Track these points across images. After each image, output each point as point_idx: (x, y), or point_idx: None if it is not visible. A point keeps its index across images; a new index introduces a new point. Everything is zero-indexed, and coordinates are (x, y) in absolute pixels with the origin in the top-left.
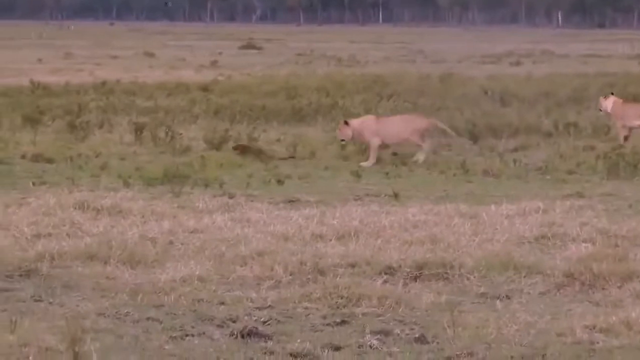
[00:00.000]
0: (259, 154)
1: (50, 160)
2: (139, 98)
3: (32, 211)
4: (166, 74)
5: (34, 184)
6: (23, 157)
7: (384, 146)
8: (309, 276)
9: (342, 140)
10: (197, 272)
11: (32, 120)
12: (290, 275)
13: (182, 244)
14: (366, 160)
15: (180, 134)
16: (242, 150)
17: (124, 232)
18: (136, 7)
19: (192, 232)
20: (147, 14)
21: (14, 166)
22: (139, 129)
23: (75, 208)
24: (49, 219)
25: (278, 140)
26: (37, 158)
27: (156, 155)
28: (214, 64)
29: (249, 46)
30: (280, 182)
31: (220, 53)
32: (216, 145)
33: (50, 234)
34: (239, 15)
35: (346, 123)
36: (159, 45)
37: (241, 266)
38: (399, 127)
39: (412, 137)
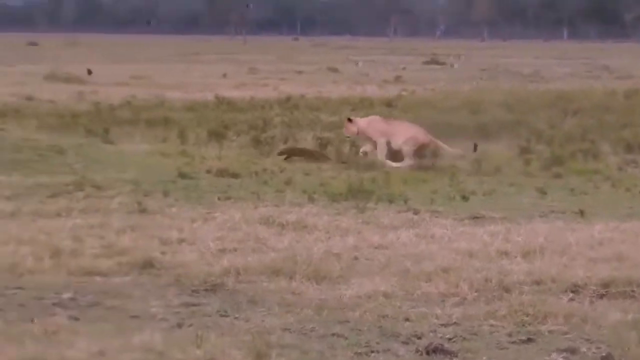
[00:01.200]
0: (305, 154)
1: (235, 175)
2: (323, 113)
3: (217, 226)
4: (350, 89)
5: (219, 198)
6: (208, 171)
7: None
8: (494, 293)
9: (348, 136)
10: (382, 288)
11: (217, 135)
12: (476, 292)
13: (366, 259)
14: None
15: (365, 150)
16: (289, 154)
17: (309, 248)
18: (320, 22)
19: (376, 247)
20: (331, 29)
21: (200, 181)
22: (323, 144)
23: (261, 223)
24: (234, 234)
25: (462, 156)
26: (222, 173)
27: (340, 171)
28: (397, 79)
29: (433, 62)
30: (464, 198)
31: (403, 68)
32: (400, 161)
33: (235, 249)
34: (422, 31)
35: (350, 120)
36: (342, 60)
37: (426, 282)
38: (404, 131)
39: (405, 146)
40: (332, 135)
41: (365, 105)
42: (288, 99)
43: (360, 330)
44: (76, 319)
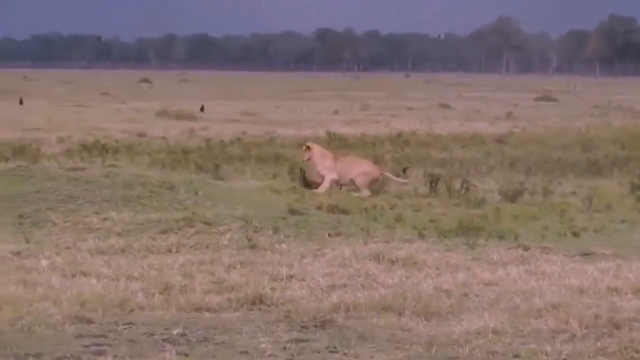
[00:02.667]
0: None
1: (345, 211)
2: (433, 149)
3: (327, 262)
4: (461, 125)
5: (329, 234)
6: (319, 207)
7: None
8: (604, 330)
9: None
10: (492, 325)
11: None
12: (586, 328)
13: (476, 296)
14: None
15: (475, 185)
16: (306, 184)
17: (419, 284)
18: (431, 58)
19: (486, 284)
20: (442, 65)
21: (310, 217)
22: (434, 181)
23: (370, 259)
24: (344, 270)
25: (573, 192)
26: (332, 209)
27: (450, 207)
28: (509, 115)
29: (545, 98)
30: (575, 234)
31: (515, 104)
32: (511, 198)
33: (345, 285)
34: (534, 67)
35: (308, 148)
36: (453, 97)
37: (536, 319)
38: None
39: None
40: (442, 171)
41: (476, 142)
42: (399, 135)
43: None
44: (185, 354)
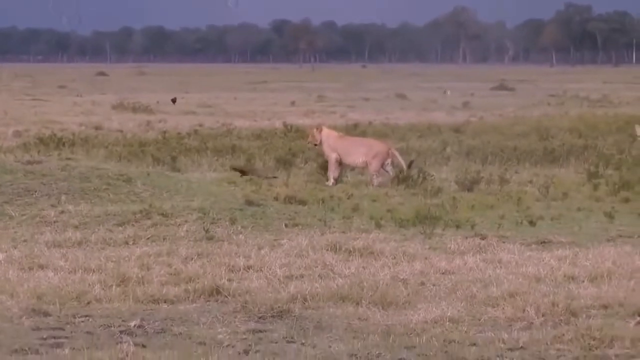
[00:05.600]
0: (255, 173)
1: (302, 202)
2: (390, 139)
3: (284, 252)
4: (418, 116)
5: (286, 225)
6: (276, 199)
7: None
8: (561, 317)
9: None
10: (449, 313)
11: (284, 162)
12: (542, 316)
13: (433, 285)
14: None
15: (432, 175)
16: (242, 172)
17: (376, 274)
18: (388, 49)
19: (443, 273)
20: (399, 56)
21: (267, 208)
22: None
23: (328, 249)
24: (301, 261)
25: (530, 181)
26: (289, 200)
27: (408, 197)
28: (465, 105)
29: (501, 87)
30: (532, 223)
31: (472, 94)
32: (468, 187)
33: (302, 275)
34: (491, 56)
35: (319, 129)
36: (410, 87)
37: (493, 307)
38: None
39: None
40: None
41: (433, 132)
42: (355, 125)
43: (426, 355)
44: (143, 346)
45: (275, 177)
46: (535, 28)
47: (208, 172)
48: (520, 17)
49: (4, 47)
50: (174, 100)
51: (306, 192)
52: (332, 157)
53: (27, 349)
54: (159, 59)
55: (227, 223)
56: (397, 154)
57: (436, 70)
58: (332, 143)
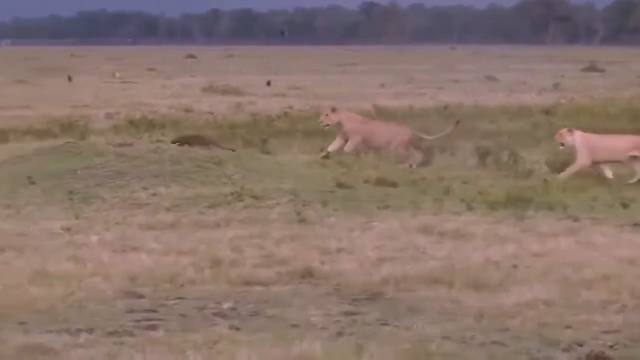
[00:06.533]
0: (199, 142)
1: (393, 184)
2: (481, 122)
3: (376, 235)
4: (508, 97)
5: (377, 208)
6: (366, 181)
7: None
8: None
9: (326, 125)
10: (542, 296)
11: None
12: (637, 299)
13: (526, 267)
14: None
15: (523, 157)
16: (182, 142)
17: (468, 256)
18: (477, 31)
19: (536, 255)
20: (488, 38)
21: (358, 190)
22: (482, 153)
23: (419, 232)
24: (393, 243)
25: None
26: (380, 182)
27: (499, 179)
28: (556, 86)
29: (591, 68)
30: (625, 205)
31: (562, 76)
32: (559, 169)
33: (394, 258)
34: (580, 38)
35: (333, 111)
36: (500, 69)
37: (587, 290)
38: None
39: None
40: (490, 143)
41: (523, 114)
42: (445, 107)
43: (520, 338)
44: (237, 328)
45: (233, 150)
46: (626, 9)
47: (298, 155)
48: None
49: (93, 30)
50: (268, 83)
51: (397, 174)
52: (355, 140)
53: (121, 331)
54: (246, 42)
55: (318, 205)
56: (419, 134)
57: (525, 52)
58: (354, 126)
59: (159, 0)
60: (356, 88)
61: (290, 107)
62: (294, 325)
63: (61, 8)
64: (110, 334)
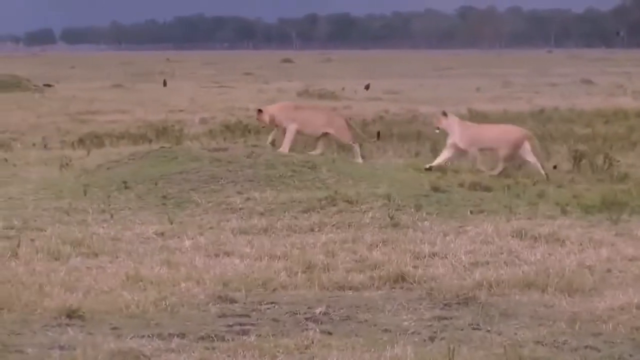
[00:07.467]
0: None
1: (487, 189)
2: (576, 125)
3: (469, 239)
4: (604, 101)
5: (471, 212)
6: (461, 185)
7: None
8: None
9: (263, 126)
10: (636, 300)
11: None
12: None
13: (620, 271)
14: None
15: (618, 161)
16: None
17: (562, 260)
18: (574, 35)
19: (630, 260)
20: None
21: (452, 194)
22: (577, 157)
23: (513, 236)
24: (486, 247)
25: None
26: (474, 186)
27: (594, 183)
28: None
29: None
30: None
31: None
32: None
33: (488, 262)
34: None
35: (260, 111)
36: (596, 72)
37: None
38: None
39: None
40: (585, 147)
41: (619, 118)
42: (541, 111)
43: (613, 342)
44: (329, 333)
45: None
46: None
47: (393, 159)
48: None
49: (190, 35)
50: (367, 87)
51: (491, 179)
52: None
53: (213, 336)
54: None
55: (412, 209)
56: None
57: (622, 55)
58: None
59: (255, 5)
60: (452, 92)
61: (386, 111)
62: (386, 330)
63: (159, 13)
64: (202, 338)
